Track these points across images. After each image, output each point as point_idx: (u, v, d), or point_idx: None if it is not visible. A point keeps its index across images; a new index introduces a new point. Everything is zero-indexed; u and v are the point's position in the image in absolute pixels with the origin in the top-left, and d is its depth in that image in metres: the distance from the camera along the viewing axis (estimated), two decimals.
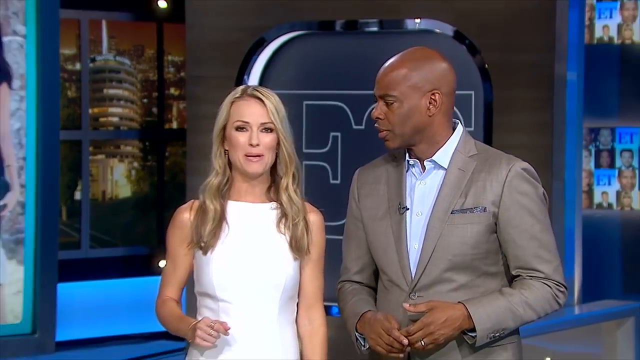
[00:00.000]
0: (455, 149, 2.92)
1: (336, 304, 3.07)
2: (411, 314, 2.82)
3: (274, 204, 2.99)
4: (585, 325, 5.84)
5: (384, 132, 2.89)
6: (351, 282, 3.01)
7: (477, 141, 2.99)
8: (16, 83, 5.70)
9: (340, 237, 3.09)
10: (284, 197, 2.98)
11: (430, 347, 2.81)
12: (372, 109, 2.97)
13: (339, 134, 6.77)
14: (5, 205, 5.72)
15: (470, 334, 2.83)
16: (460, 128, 2.95)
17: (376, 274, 3.00)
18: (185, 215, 2.99)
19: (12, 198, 5.73)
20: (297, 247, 2.97)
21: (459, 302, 2.82)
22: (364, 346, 2.90)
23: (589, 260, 6.43)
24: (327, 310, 3.12)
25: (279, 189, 2.98)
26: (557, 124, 6.25)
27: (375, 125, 2.92)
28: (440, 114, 2.89)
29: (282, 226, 2.98)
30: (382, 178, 2.97)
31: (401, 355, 2.82)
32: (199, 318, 2.94)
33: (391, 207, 2.92)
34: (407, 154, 2.93)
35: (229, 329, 2.87)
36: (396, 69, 2.89)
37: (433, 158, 2.91)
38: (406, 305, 2.82)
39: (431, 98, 2.88)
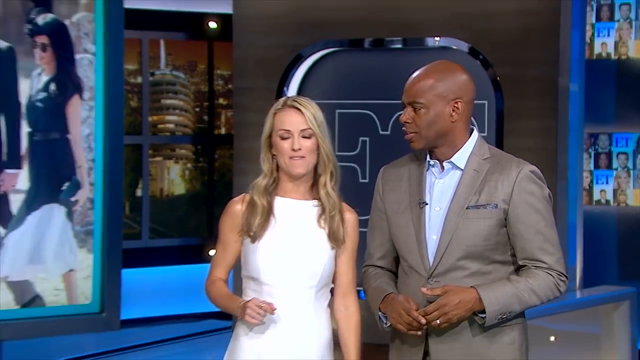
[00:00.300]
0: (472, 152, 2.91)
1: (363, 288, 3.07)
2: (428, 297, 2.82)
3: (315, 202, 3.00)
4: (586, 308, 5.80)
5: (411, 134, 2.88)
6: (374, 267, 3.01)
7: (490, 145, 2.99)
8: (86, 94, 5.71)
9: None
10: (322, 193, 2.98)
11: (444, 326, 2.80)
12: (399, 115, 2.96)
13: (367, 138, 6.76)
14: (77, 201, 5.73)
15: (480, 315, 2.82)
16: (475, 133, 2.95)
17: (397, 260, 3.00)
18: (238, 206, 3.00)
19: (83, 195, 5.75)
20: (334, 237, 2.98)
21: (471, 286, 2.82)
22: (386, 324, 2.90)
23: (589, 250, 6.40)
24: (357, 293, 3.12)
25: (318, 186, 2.99)
26: (561, 129, 6.23)
27: (403, 128, 2.91)
28: (461, 120, 2.89)
29: (322, 221, 2.98)
30: (404, 176, 2.96)
31: (419, 332, 2.82)
32: (245, 298, 2.95)
33: (412, 202, 2.92)
34: (428, 155, 2.93)
35: (275, 309, 2.89)
36: (423, 79, 2.88)
37: (451, 159, 2.90)
38: (424, 289, 2.82)
39: (454, 106, 2.87)
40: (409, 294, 2.87)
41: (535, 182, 2.88)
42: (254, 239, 2.96)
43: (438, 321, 2.79)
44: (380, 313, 2.90)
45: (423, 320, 2.79)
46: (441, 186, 2.91)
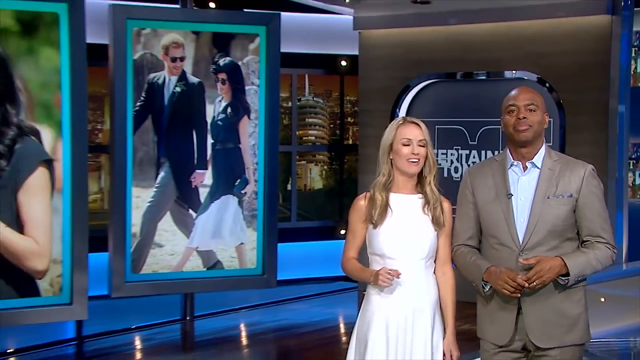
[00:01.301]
0: (544, 155, 2.91)
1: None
2: (519, 265, 2.81)
3: (420, 195, 3.00)
4: (630, 277, 5.65)
5: (526, 127, 2.88)
6: (465, 246, 2.97)
7: (554, 150, 2.99)
8: (252, 115, 5.83)
9: None
10: (428, 189, 2.98)
11: (539, 287, 2.81)
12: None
13: (459, 146, 6.72)
14: (245, 193, 5.85)
15: (562, 277, 2.81)
16: (543, 143, 2.95)
17: (479, 241, 2.98)
18: (361, 202, 3.01)
19: (250, 189, 5.87)
20: (436, 222, 2.97)
21: (555, 256, 2.82)
22: (486, 290, 2.89)
23: (633, 233, 6.21)
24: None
25: (424, 183, 2.99)
26: (611, 140, 6.06)
27: (520, 123, 2.87)
28: (545, 129, 2.94)
29: (426, 209, 2.98)
30: (488, 174, 2.94)
31: (519, 294, 2.82)
32: (374, 269, 2.95)
33: (499, 194, 2.90)
34: (510, 157, 2.92)
35: (401, 274, 2.90)
36: (532, 92, 2.93)
37: (533, 160, 2.91)
38: (521, 259, 2.81)
39: (545, 117, 2.93)
40: (501, 264, 2.85)
41: (596, 177, 2.90)
42: (375, 225, 2.96)
43: (535, 283, 2.78)
44: (482, 282, 2.88)
45: (526, 285, 2.78)
46: (524, 181, 2.90)
